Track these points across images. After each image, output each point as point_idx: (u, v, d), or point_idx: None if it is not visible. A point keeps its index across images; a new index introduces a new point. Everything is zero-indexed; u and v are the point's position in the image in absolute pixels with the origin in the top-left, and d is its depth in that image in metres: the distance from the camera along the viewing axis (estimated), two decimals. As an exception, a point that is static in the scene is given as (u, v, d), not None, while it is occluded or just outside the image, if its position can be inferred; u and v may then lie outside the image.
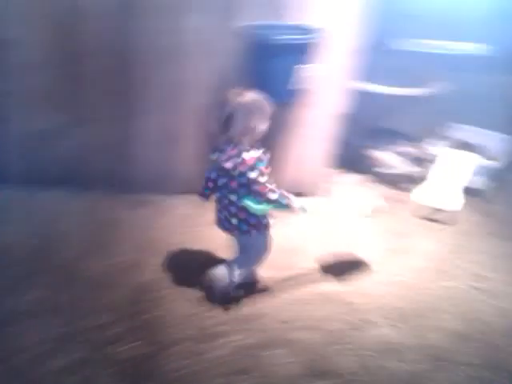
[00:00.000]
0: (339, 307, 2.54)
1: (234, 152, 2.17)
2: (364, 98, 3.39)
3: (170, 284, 2.63)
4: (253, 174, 2.14)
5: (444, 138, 3.82)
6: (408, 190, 3.65)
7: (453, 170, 3.44)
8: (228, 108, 2.13)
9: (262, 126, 2.19)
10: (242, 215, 2.30)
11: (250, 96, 2.15)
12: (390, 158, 3.68)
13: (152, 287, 2.60)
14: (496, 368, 2.21)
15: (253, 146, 2.20)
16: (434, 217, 3.35)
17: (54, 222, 3.06)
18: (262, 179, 2.16)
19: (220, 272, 2.49)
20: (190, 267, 2.76)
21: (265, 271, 2.73)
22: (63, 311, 2.41)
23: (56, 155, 3.31)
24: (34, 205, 3.19)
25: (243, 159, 2.14)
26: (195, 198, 3.34)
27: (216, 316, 2.43)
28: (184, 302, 2.51)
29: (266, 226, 2.38)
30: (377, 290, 2.67)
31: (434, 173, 3.47)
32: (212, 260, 2.81)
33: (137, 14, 2.96)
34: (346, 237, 3.10)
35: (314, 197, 3.47)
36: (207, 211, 3.24)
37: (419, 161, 3.68)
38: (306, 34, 2.84)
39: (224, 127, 2.15)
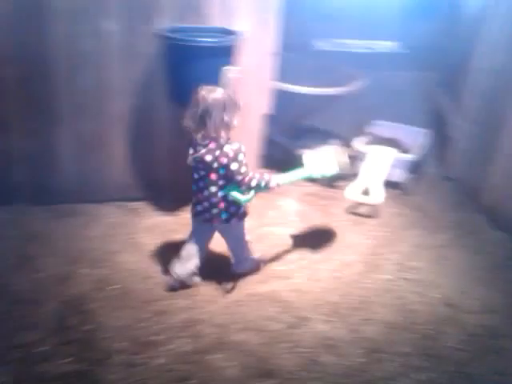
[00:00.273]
0: (274, 306, 2.55)
1: (213, 146, 2.30)
2: (288, 98, 3.45)
3: (101, 296, 2.54)
4: (235, 166, 2.31)
5: (366, 134, 3.97)
6: (338, 188, 3.77)
7: (374, 164, 3.57)
8: (203, 105, 2.25)
9: (235, 120, 2.35)
10: (222, 205, 2.43)
11: (222, 92, 2.31)
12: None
13: (83, 300, 2.50)
14: (428, 355, 2.31)
15: (228, 139, 2.35)
16: (360, 212, 3.47)
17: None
18: (244, 169, 2.32)
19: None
20: (124, 277, 2.69)
21: (196, 277, 2.72)
22: (-13, 331, 2.27)
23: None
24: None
25: (225, 152, 2.30)
26: (126, 205, 3.30)
27: (150, 326, 2.38)
28: (116, 314, 2.43)
29: (245, 214, 2.55)
30: (310, 287, 2.71)
31: (361, 169, 3.60)
32: (148, 268, 2.77)
33: (53, 18, 2.85)
34: (278, 236, 3.13)
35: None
36: (140, 218, 3.21)
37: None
38: (226, 36, 2.86)
39: (200, 123, 2.27)
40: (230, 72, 2.88)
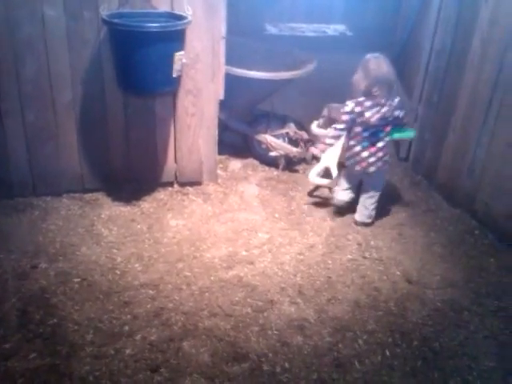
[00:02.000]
0: (240, 292, 2.56)
1: (389, 103, 2.94)
2: (242, 83, 3.44)
3: (63, 290, 2.48)
4: (402, 113, 3.03)
5: (322, 116, 4.01)
6: (295, 171, 3.80)
7: (333, 147, 3.61)
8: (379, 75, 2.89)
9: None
10: (384, 153, 3.06)
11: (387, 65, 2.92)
12: (275, 142, 3.78)
13: (44, 295, 2.43)
14: (392, 331, 2.38)
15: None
16: (320, 194, 3.52)
17: None
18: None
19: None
20: (85, 269, 2.63)
21: (160, 265, 2.70)
22: None
23: None
24: None
25: (395, 106, 2.96)
26: (83, 197, 3.22)
27: (115, 317, 2.34)
28: (80, 307, 2.38)
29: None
30: (274, 271, 2.73)
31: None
32: (110, 260, 2.71)
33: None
34: (241, 221, 3.14)
35: (207, 184, 3.47)
36: (98, 209, 3.14)
37: (303, 142, 3.83)
38: (174, 21, 2.82)
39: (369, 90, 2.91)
40: (181, 57, 2.85)
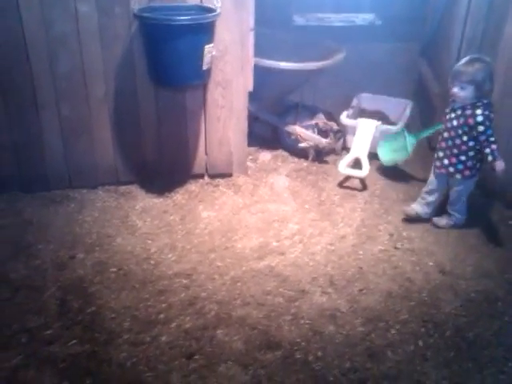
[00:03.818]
0: (271, 281, 2.59)
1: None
2: (270, 74, 3.45)
3: (100, 279, 2.56)
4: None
5: (352, 107, 3.99)
6: (324, 162, 3.79)
7: (362, 137, 3.60)
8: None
9: None
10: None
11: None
12: (305, 133, 3.78)
13: (82, 284, 2.51)
14: (425, 322, 2.37)
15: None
16: (351, 185, 3.51)
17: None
18: None
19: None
20: (121, 259, 2.70)
21: (193, 255, 2.75)
22: (-11, 318, 2.28)
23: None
24: None
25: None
26: (117, 189, 3.29)
27: (151, 305, 2.41)
28: (117, 296, 2.45)
29: None
30: (305, 261, 2.75)
31: (352, 142, 3.63)
32: (144, 250, 2.78)
33: (27, 3, 2.80)
34: (271, 212, 3.16)
35: (237, 176, 3.51)
36: (132, 201, 3.20)
37: (332, 132, 3.82)
38: (203, 13, 2.85)
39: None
40: (210, 50, 2.87)
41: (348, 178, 3.55)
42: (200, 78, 3.02)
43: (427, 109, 4.18)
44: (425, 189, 3.08)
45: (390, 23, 4.61)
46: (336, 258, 2.79)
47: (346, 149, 3.85)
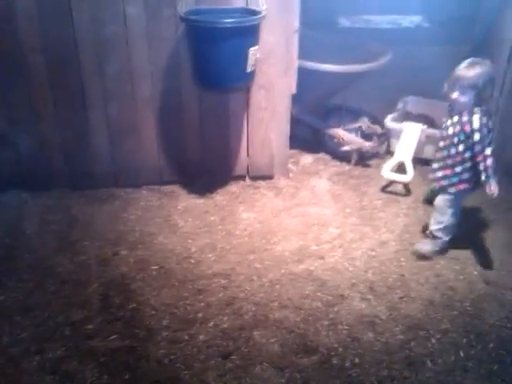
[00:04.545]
0: (310, 285, 2.58)
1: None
2: (314, 77, 3.43)
3: (141, 276, 2.61)
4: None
5: (397, 110, 3.92)
6: (367, 166, 3.74)
7: (407, 142, 3.53)
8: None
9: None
10: None
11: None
12: (348, 136, 3.74)
13: (124, 280, 2.57)
14: (467, 332, 2.31)
15: None
16: (393, 189, 3.45)
17: (17, 223, 2.98)
18: None
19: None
20: (162, 257, 2.75)
21: (232, 256, 2.77)
22: (36, 310, 2.37)
23: (8, 156, 3.19)
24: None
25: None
26: (161, 189, 3.36)
27: (190, 304, 2.44)
28: (157, 293, 2.50)
29: None
30: (345, 266, 2.72)
31: (397, 146, 3.57)
32: (185, 249, 2.82)
33: (78, 5, 2.89)
34: (311, 216, 3.14)
35: (278, 179, 3.51)
36: (174, 201, 3.26)
37: (376, 136, 3.76)
38: (248, 16, 2.86)
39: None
40: (255, 52, 2.88)
41: (391, 182, 3.49)
42: (244, 81, 3.05)
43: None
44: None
45: (438, 25, 4.52)
46: (377, 263, 2.75)
47: (389, 153, 3.79)
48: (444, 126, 2.69)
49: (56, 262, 2.68)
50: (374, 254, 2.82)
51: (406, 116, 3.94)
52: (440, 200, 2.74)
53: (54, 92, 3.09)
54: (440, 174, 2.69)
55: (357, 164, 3.76)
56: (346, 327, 2.33)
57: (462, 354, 2.20)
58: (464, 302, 2.48)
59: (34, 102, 3.09)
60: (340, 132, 3.75)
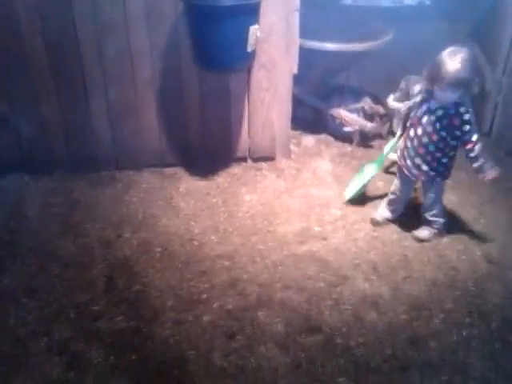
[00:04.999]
0: (313, 266, 2.59)
1: None
2: (315, 56, 3.39)
3: (145, 258, 2.62)
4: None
5: (398, 90, 3.88)
6: (369, 147, 3.73)
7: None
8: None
9: None
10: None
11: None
12: (350, 116, 3.72)
13: (128, 263, 2.58)
14: (470, 312, 2.32)
15: None
16: (395, 170, 3.41)
17: (19, 206, 2.98)
18: None
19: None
20: (165, 240, 2.75)
21: (235, 238, 2.77)
22: (41, 293, 2.39)
23: (10, 140, 3.18)
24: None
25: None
26: (162, 171, 3.35)
27: (194, 285, 2.45)
28: (161, 275, 2.51)
29: None
30: (348, 247, 2.73)
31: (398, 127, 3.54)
32: (188, 231, 2.82)
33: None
34: (314, 196, 3.14)
35: (280, 160, 3.49)
36: (176, 183, 3.25)
37: (379, 116, 3.74)
38: None
39: None
40: (256, 31, 2.84)
41: (394, 163, 3.48)
42: (245, 60, 3.01)
43: (478, 93, 4.02)
44: (390, 197, 2.88)
45: (440, 2, 4.45)
46: (380, 244, 2.75)
47: (392, 133, 3.77)
48: (426, 121, 2.54)
49: (59, 245, 2.69)
50: (376, 234, 2.82)
51: (408, 95, 3.91)
52: (427, 195, 2.72)
53: (54, 76, 3.06)
54: (425, 167, 2.61)
55: (359, 145, 3.74)
56: (350, 307, 2.34)
57: (464, 334, 2.22)
58: (467, 282, 2.49)
59: (35, 85, 3.07)
60: (342, 112, 3.73)
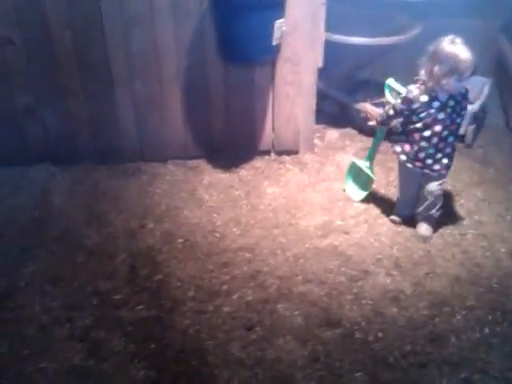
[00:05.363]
0: (334, 260, 2.58)
1: None
2: (341, 50, 3.36)
3: (167, 249, 2.65)
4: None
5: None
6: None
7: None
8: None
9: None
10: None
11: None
12: (375, 110, 3.68)
13: (150, 253, 2.62)
14: (493, 309, 2.29)
15: None
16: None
17: (46, 196, 3.05)
18: None
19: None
20: (188, 231, 2.78)
21: (257, 230, 2.78)
22: (65, 281, 2.44)
23: (37, 131, 3.25)
24: (23, 181, 3.17)
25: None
26: (186, 163, 3.38)
27: (215, 276, 2.48)
28: (183, 266, 2.54)
29: None
30: (370, 241, 2.71)
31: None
32: (210, 223, 2.85)
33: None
34: (337, 191, 3.13)
35: (304, 154, 3.48)
36: (200, 175, 3.28)
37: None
38: None
39: None
40: (281, 25, 2.84)
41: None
42: (269, 54, 3.02)
43: (507, 87, 3.93)
44: (401, 199, 2.85)
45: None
46: (402, 239, 2.73)
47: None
48: (443, 115, 2.49)
49: (84, 234, 2.74)
50: (399, 229, 2.80)
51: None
52: (435, 188, 2.66)
53: (80, 68, 3.11)
54: (445, 161, 2.60)
55: (384, 139, 3.70)
56: (370, 302, 2.33)
57: (486, 331, 2.19)
58: (491, 279, 2.45)
59: (62, 78, 3.12)
60: (367, 107, 3.69)
